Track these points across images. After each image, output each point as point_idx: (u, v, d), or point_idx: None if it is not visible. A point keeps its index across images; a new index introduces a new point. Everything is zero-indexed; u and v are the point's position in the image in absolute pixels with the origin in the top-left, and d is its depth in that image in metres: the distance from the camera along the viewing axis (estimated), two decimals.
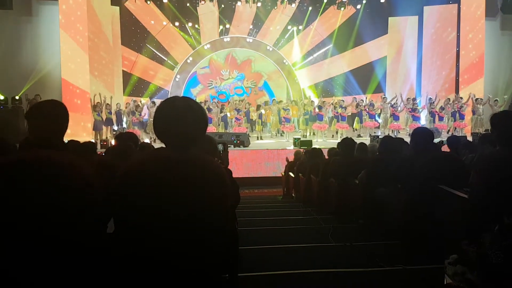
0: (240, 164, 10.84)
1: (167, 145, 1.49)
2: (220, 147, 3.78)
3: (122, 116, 13.41)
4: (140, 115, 13.25)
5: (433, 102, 13.94)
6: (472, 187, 2.79)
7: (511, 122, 2.52)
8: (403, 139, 4.99)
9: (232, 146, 11.28)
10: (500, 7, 15.13)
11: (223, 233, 1.54)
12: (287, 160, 9.35)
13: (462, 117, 13.55)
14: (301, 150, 9.19)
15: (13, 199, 1.36)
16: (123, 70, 16.26)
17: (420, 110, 14.02)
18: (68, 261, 1.40)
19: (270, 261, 3.45)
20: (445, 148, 5.79)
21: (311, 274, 3.12)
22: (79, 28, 13.08)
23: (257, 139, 13.96)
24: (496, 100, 13.39)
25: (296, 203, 7.41)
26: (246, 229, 4.48)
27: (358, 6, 16.95)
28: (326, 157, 6.66)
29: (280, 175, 9.75)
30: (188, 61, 17.75)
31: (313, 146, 10.16)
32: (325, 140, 13.43)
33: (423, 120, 14.35)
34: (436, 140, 6.70)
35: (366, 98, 16.21)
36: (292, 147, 11.81)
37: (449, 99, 14.12)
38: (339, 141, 5.75)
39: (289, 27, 18.01)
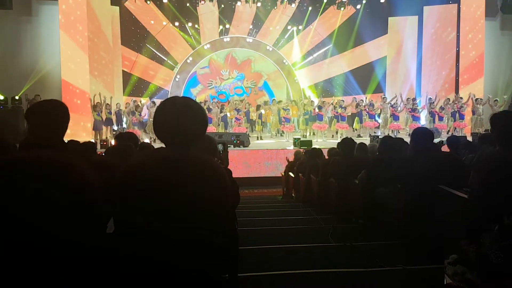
0: (240, 164, 10.84)
1: (167, 145, 1.48)
2: (220, 147, 3.77)
3: (122, 116, 13.41)
4: (140, 115, 13.25)
5: (433, 102, 13.94)
6: (472, 187, 2.79)
7: (511, 122, 2.52)
8: (403, 139, 4.99)
9: (232, 146, 11.28)
10: (500, 7, 15.13)
11: (223, 233, 1.54)
12: (287, 160, 9.36)
13: (462, 117, 13.55)
14: (301, 150, 9.18)
15: (13, 199, 1.36)
16: (123, 70, 16.26)
17: (420, 110, 14.02)
18: (68, 261, 1.40)
19: (270, 261, 3.45)
20: (445, 148, 5.79)
21: (311, 274, 3.12)
22: (79, 28, 13.07)
23: (257, 139, 13.96)
24: (496, 100, 13.39)
25: (296, 203, 7.40)
26: (246, 229, 4.47)
27: (358, 6, 16.95)
28: (326, 157, 6.66)
29: (280, 175, 9.75)
30: (188, 61, 17.75)
31: (313, 146, 10.16)
32: (325, 140, 13.43)
33: (423, 120, 14.35)
34: (436, 140, 6.70)
35: (366, 98, 16.20)
36: (292, 147, 11.81)
37: (449, 99, 14.12)
38: (339, 141, 5.75)
39: (289, 27, 18.01)
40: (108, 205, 1.48)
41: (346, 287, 2.97)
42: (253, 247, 3.74)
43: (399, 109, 13.84)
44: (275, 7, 17.21)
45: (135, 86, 16.91)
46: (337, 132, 14.09)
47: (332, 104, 14.46)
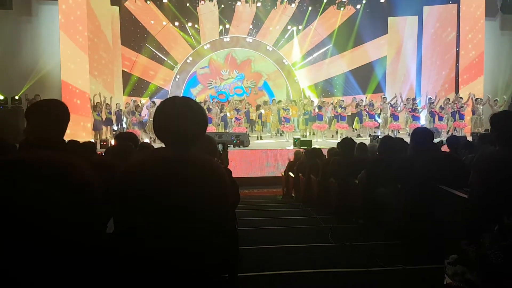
0: (240, 164, 10.84)
1: (167, 145, 1.48)
2: (220, 147, 3.77)
3: (122, 116, 13.41)
4: (140, 115, 13.25)
5: (433, 102, 13.95)
6: (472, 187, 2.79)
7: (511, 122, 2.52)
8: (403, 139, 4.99)
9: (232, 146, 11.28)
10: (500, 7, 15.14)
11: (223, 233, 1.54)
12: (289, 160, 9.36)
13: (462, 117, 13.56)
14: (301, 150, 9.19)
15: (13, 199, 1.36)
16: (123, 70, 16.25)
17: (420, 110, 14.02)
18: (68, 261, 1.40)
19: (270, 261, 3.45)
20: (445, 148, 5.79)
21: (311, 274, 3.12)
22: (79, 28, 13.07)
23: (257, 139, 13.96)
24: (496, 100, 13.39)
25: (296, 203, 7.40)
26: (246, 229, 4.47)
27: (358, 6, 16.95)
28: (326, 157, 6.66)
29: (280, 175, 9.75)
30: (188, 61, 17.74)
31: (313, 146, 10.16)
32: (325, 140, 13.43)
33: (423, 120, 14.36)
34: (436, 140, 6.69)
35: (366, 98, 16.19)
36: (292, 147, 11.81)
37: (448, 99, 14.13)
38: (339, 141, 5.75)
39: (289, 27, 18.00)
40: (108, 205, 1.48)
41: (346, 287, 2.97)
42: (253, 247, 3.74)
43: (399, 109, 13.84)
44: (275, 7, 17.20)
45: (135, 86, 16.90)
46: (337, 132, 14.09)
47: (332, 104, 14.46)
